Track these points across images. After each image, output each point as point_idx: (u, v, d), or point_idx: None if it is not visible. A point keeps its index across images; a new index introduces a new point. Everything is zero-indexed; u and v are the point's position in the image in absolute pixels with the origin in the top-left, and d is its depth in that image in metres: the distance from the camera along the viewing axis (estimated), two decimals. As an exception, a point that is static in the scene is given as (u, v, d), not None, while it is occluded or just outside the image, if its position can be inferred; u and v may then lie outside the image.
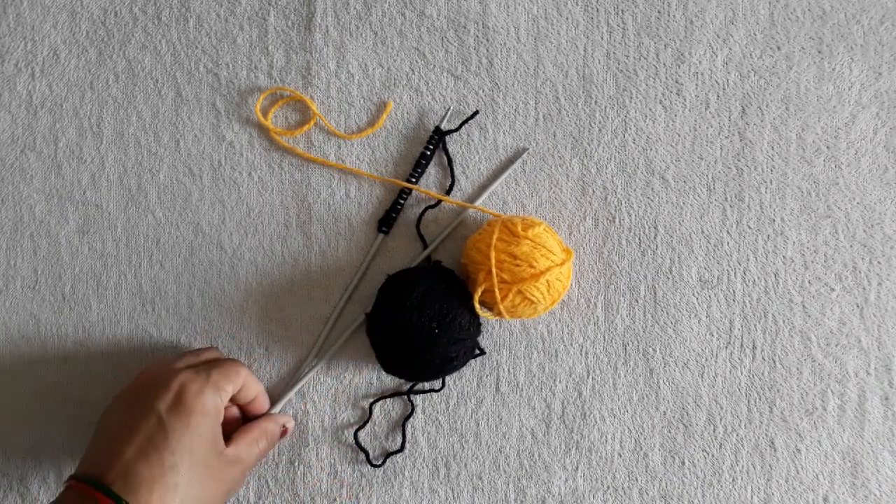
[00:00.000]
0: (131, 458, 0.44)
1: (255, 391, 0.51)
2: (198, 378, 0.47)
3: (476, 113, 0.55)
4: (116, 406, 0.48)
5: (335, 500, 0.55)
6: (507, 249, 0.49)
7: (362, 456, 0.55)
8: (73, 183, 0.55)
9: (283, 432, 0.53)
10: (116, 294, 0.55)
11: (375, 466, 0.55)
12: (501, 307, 0.50)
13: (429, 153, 0.54)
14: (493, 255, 0.49)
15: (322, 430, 0.55)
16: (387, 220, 0.54)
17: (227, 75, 0.55)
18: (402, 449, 0.55)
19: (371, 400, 0.55)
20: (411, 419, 0.55)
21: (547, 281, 0.49)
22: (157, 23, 0.56)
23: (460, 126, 0.55)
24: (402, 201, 0.55)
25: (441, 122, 0.55)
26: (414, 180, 0.54)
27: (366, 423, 0.55)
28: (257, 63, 0.55)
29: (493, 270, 0.49)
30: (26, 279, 0.55)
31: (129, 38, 0.56)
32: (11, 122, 0.56)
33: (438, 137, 0.55)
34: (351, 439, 0.55)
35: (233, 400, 0.50)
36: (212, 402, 0.47)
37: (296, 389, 0.55)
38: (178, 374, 0.47)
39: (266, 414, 0.53)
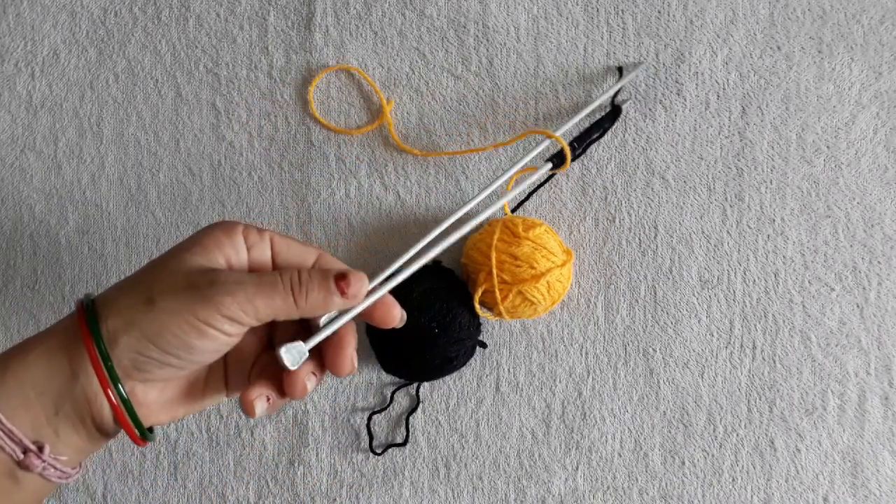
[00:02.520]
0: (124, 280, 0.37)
1: (300, 258, 0.39)
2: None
3: (618, 109, 0.55)
4: None
5: (335, 500, 0.55)
6: (508, 250, 0.49)
7: (362, 457, 0.55)
8: (72, 183, 0.55)
9: (342, 286, 0.37)
10: (116, 294, 0.55)
11: (376, 454, 0.54)
12: (502, 308, 0.50)
13: (605, 128, 0.54)
14: (493, 255, 0.49)
15: (322, 429, 0.55)
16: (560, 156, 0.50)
17: (227, 75, 0.55)
18: (405, 443, 0.55)
19: (393, 388, 0.55)
20: (413, 417, 0.55)
21: (547, 282, 0.49)
22: (156, 22, 0.56)
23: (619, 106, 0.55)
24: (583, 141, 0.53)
25: (615, 95, 0.54)
26: (576, 145, 0.52)
27: (385, 408, 0.55)
28: (257, 63, 0.55)
29: (494, 271, 0.49)
30: (26, 279, 0.55)
31: (129, 37, 0.56)
32: (11, 121, 0.56)
33: (615, 112, 0.54)
34: (351, 437, 0.55)
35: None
36: (227, 223, 0.38)
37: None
38: None
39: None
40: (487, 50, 0.55)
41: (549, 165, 0.49)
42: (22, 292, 0.55)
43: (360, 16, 0.55)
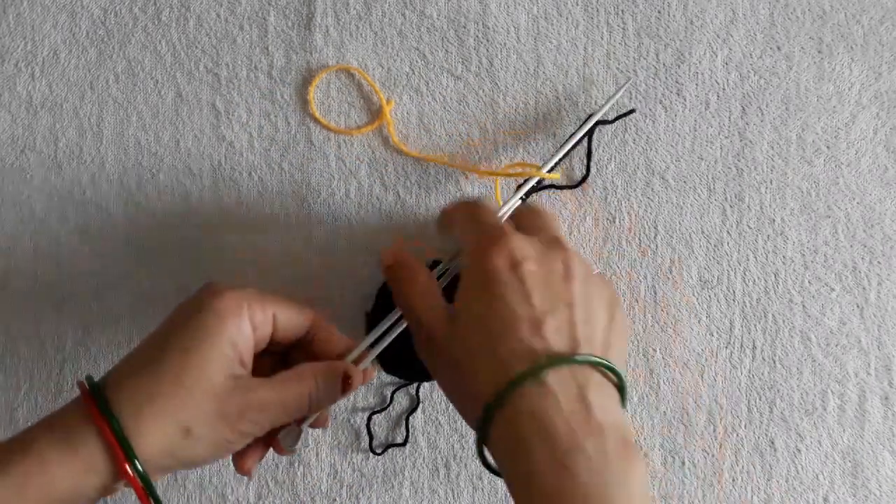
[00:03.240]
0: (126, 361, 0.38)
1: (338, 344, 0.42)
2: (232, 285, 0.40)
3: (632, 111, 0.54)
4: None
5: (335, 500, 0.55)
6: None
7: (361, 457, 0.55)
8: (73, 183, 0.55)
9: (347, 384, 0.41)
10: (116, 294, 0.55)
11: (375, 454, 0.54)
12: None
13: (576, 139, 0.52)
14: None
15: (322, 429, 0.55)
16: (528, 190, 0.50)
17: (227, 75, 0.55)
18: (405, 443, 0.55)
19: (393, 388, 0.55)
20: (413, 417, 0.55)
21: None
22: (157, 23, 0.56)
23: (616, 119, 0.54)
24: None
25: (600, 111, 0.52)
26: (553, 166, 0.51)
27: (385, 408, 0.55)
28: (257, 63, 0.55)
29: None
30: (26, 279, 0.55)
31: (129, 38, 0.56)
32: (11, 122, 0.56)
33: (592, 126, 0.52)
34: (351, 437, 0.55)
35: (306, 349, 0.42)
36: (233, 303, 0.38)
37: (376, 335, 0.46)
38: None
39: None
40: (487, 50, 0.55)
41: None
42: (22, 292, 0.55)
43: (360, 16, 0.55)
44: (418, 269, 0.41)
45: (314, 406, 0.40)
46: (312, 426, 0.44)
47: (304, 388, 0.39)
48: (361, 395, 0.55)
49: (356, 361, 0.44)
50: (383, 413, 0.55)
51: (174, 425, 0.36)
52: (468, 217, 0.41)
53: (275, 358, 0.43)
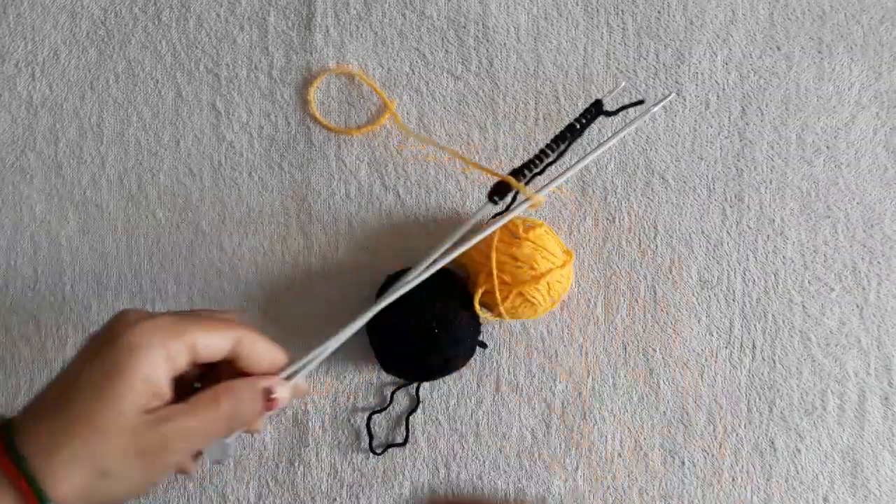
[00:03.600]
0: (39, 400, 0.36)
1: (263, 360, 0.40)
2: (144, 311, 0.38)
3: (641, 101, 0.52)
4: None
5: (335, 500, 0.55)
6: (508, 251, 0.49)
7: (362, 457, 0.55)
8: (73, 183, 0.55)
9: (269, 402, 0.40)
10: (116, 294, 0.55)
11: (375, 454, 0.54)
12: (502, 308, 0.50)
13: (579, 127, 0.47)
14: (493, 256, 0.49)
15: (322, 430, 0.55)
16: (500, 191, 0.46)
17: (228, 75, 0.55)
18: (405, 443, 0.55)
19: (392, 388, 0.55)
20: (413, 417, 0.55)
21: (548, 283, 0.49)
22: (157, 23, 0.56)
23: (618, 111, 0.51)
24: (531, 169, 0.46)
25: (606, 95, 0.50)
26: (551, 153, 0.47)
27: (385, 408, 0.55)
28: (257, 63, 0.55)
29: (494, 272, 0.49)
30: (26, 279, 0.55)
31: (129, 38, 0.56)
32: (12, 122, 0.56)
33: (595, 112, 0.48)
34: (351, 437, 0.55)
35: (234, 366, 0.40)
36: (146, 336, 0.36)
37: (327, 352, 0.44)
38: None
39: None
40: (487, 50, 0.55)
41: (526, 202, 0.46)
42: (22, 292, 0.55)
43: (361, 16, 0.55)
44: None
45: (236, 426, 0.39)
46: (246, 432, 0.43)
47: (223, 411, 0.38)
48: (362, 395, 0.55)
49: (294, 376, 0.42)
50: (383, 413, 0.55)
51: (90, 468, 0.34)
52: None
53: (202, 369, 0.41)
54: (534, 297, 0.50)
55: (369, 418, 0.55)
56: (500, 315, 0.51)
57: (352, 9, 0.55)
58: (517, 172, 0.46)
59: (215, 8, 0.55)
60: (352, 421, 0.55)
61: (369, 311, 0.44)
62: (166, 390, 0.37)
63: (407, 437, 0.55)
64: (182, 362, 0.37)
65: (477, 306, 0.50)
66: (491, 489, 0.55)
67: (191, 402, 0.37)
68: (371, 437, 0.55)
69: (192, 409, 0.37)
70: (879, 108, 0.55)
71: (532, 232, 0.50)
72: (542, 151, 0.46)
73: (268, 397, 0.40)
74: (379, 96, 0.55)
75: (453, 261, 0.45)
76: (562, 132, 0.47)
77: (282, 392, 0.40)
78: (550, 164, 0.47)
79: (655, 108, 0.48)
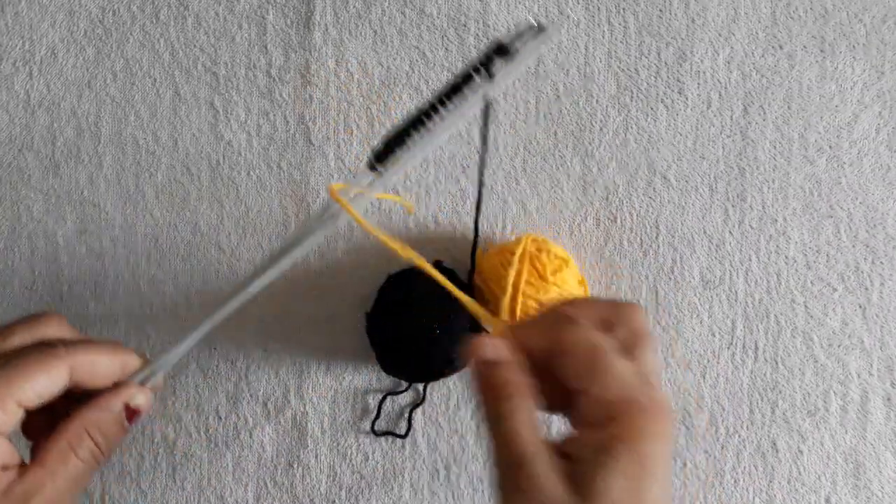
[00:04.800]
0: None
1: (109, 375, 0.35)
2: None
3: (541, 28, 0.35)
4: None
5: (334, 502, 0.55)
6: (535, 296, 0.49)
7: (361, 458, 0.55)
8: (70, 182, 0.55)
9: (132, 412, 0.35)
10: (114, 294, 0.55)
11: (375, 434, 0.54)
12: None
13: (473, 74, 0.34)
14: (520, 300, 0.48)
15: (321, 431, 0.55)
16: (383, 154, 0.35)
17: (226, 74, 0.55)
18: (405, 435, 0.54)
19: (381, 395, 0.55)
20: (413, 417, 0.55)
21: None
22: (155, 21, 0.55)
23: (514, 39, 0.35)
24: (407, 133, 0.35)
25: (515, 40, 0.34)
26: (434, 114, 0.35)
27: (378, 414, 0.54)
28: (256, 62, 0.55)
29: (518, 314, 0.48)
30: (24, 279, 0.55)
31: (127, 36, 0.55)
32: (9, 121, 0.55)
33: (496, 54, 0.35)
34: (351, 438, 0.55)
35: (76, 390, 0.35)
36: None
37: (183, 348, 0.38)
38: None
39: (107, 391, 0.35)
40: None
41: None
42: (20, 292, 0.55)
43: (360, 14, 0.55)
44: (526, 396, 0.31)
45: (107, 454, 0.34)
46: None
47: (84, 453, 0.33)
48: (361, 396, 0.55)
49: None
50: (389, 409, 0.55)
51: None
52: (592, 355, 0.30)
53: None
54: None
55: (384, 398, 0.54)
56: None
57: (351, 7, 0.55)
58: (399, 137, 0.35)
59: (214, 6, 0.55)
60: (352, 421, 0.55)
61: (217, 312, 0.39)
62: (8, 456, 0.32)
63: (408, 430, 0.54)
64: (12, 424, 0.33)
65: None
66: (491, 491, 0.55)
67: (44, 462, 0.32)
68: (378, 415, 0.54)
69: (50, 470, 0.32)
70: (882, 107, 0.55)
71: (558, 275, 0.49)
72: (425, 113, 0.35)
73: (130, 411, 0.35)
74: (372, 99, 0.55)
75: (454, 260, 0.44)
76: (455, 85, 0.35)
77: (141, 401, 0.36)
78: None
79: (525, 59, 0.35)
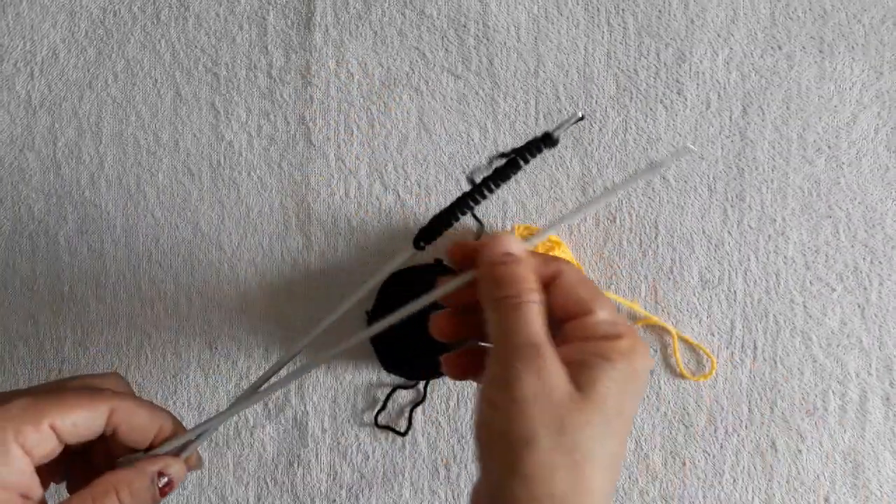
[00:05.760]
0: None
1: (146, 432, 0.35)
2: None
3: (582, 118, 0.38)
4: None
5: (334, 501, 0.55)
6: None
7: (361, 457, 0.55)
8: (71, 183, 0.55)
9: (164, 488, 0.35)
10: (115, 294, 0.55)
11: (377, 426, 0.54)
12: None
13: (521, 163, 0.37)
14: None
15: (322, 430, 0.55)
16: (429, 235, 0.38)
17: (227, 74, 0.55)
18: (404, 433, 0.54)
19: (388, 390, 0.55)
20: (413, 416, 0.55)
21: None
22: (156, 22, 0.55)
23: (557, 128, 0.37)
24: (455, 217, 0.37)
25: (558, 129, 0.37)
26: (479, 198, 0.37)
27: (384, 405, 0.54)
28: (256, 62, 0.55)
29: None
30: (25, 279, 0.55)
31: (128, 37, 0.55)
32: (10, 121, 0.55)
33: (543, 145, 0.37)
34: (351, 438, 0.55)
35: (115, 441, 0.35)
36: None
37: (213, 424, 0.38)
38: None
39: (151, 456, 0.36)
40: (488, 49, 0.55)
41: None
42: (21, 292, 0.55)
43: (360, 15, 0.55)
44: (541, 296, 0.32)
45: None
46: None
47: None
48: (362, 396, 0.55)
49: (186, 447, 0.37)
50: (390, 406, 0.55)
51: None
52: (592, 288, 0.33)
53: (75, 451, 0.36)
54: None
55: (393, 390, 0.54)
56: None
57: (351, 8, 0.55)
58: (449, 213, 0.37)
59: (214, 7, 0.55)
60: (352, 421, 0.55)
61: (261, 388, 0.39)
62: (32, 486, 0.32)
63: (408, 427, 0.54)
64: (47, 449, 0.33)
65: None
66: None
67: None
68: (384, 407, 0.54)
69: None
70: (881, 107, 0.55)
71: (551, 254, 0.49)
72: (476, 189, 0.37)
73: (160, 483, 0.35)
74: (372, 99, 0.55)
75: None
76: (502, 169, 0.37)
77: (175, 471, 0.36)
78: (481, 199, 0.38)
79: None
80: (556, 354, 0.31)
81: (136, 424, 0.35)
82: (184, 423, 0.53)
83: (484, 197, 0.37)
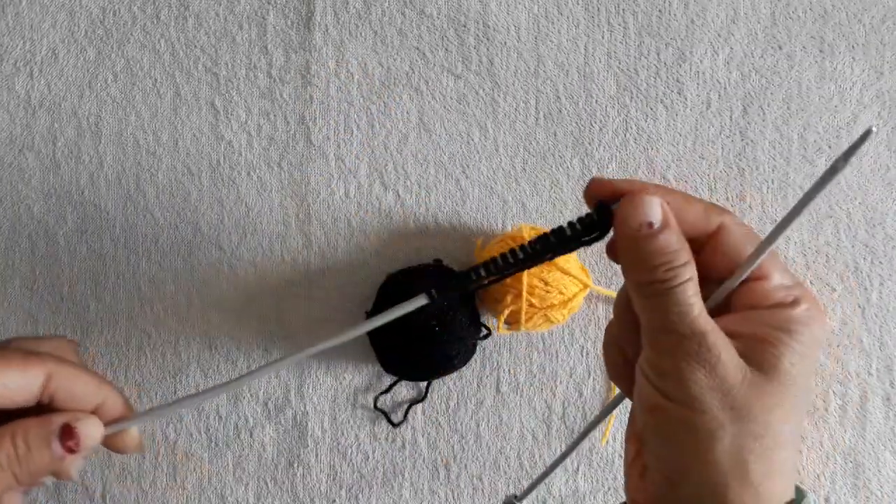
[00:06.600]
0: None
1: (87, 402, 0.32)
2: None
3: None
4: None
5: (334, 501, 0.55)
6: (540, 275, 0.49)
7: (361, 458, 0.55)
8: (71, 182, 0.55)
9: (71, 443, 0.31)
10: (115, 294, 0.55)
11: (376, 408, 0.54)
12: (523, 327, 0.50)
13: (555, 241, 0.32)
14: (525, 280, 0.49)
15: (322, 430, 0.55)
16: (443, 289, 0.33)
17: (226, 74, 0.55)
18: (397, 425, 0.54)
19: (376, 394, 0.55)
20: (413, 416, 0.55)
21: (570, 305, 0.50)
22: (155, 22, 0.55)
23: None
24: (477, 277, 0.32)
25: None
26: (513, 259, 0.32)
27: (389, 389, 0.54)
28: (256, 62, 0.55)
29: (524, 296, 0.49)
30: (24, 279, 0.55)
31: (127, 37, 0.55)
32: (10, 121, 0.55)
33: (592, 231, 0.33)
34: (351, 438, 0.55)
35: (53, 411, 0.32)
36: None
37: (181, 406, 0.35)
38: None
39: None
40: (488, 49, 0.55)
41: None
42: (20, 292, 0.55)
43: (360, 15, 0.55)
44: (693, 267, 0.28)
45: (24, 477, 0.30)
46: (55, 479, 0.33)
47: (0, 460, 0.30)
48: (361, 396, 0.55)
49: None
50: (390, 401, 0.55)
51: None
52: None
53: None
54: (556, 318, 0.50)
55: (398, 380, 0.54)
56: (517, 329, 0.51)
57: (351, 7, 0.55)
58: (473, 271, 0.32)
59: (214, 7, 0.55)
60: (352, 421, 0.55)
61: (239, 379, 0.35)
62: None
63: (402, 421, 0.54)
64: None
65: (501, 326, 0.51)
66: (491, 490, 0.55)
67: None
68: (388, 391, 0.54)
69: None
70: (881, 107, 0.55)
71: (562, 258, 0.50)
72: (504, 259, 0.32)
73: (68, 437, 0.31)
74: (372, 99, 0.55)
75: (454, 260, 0.44)
76: (542, 243, 0.33)
77: (86, 428, 0.31)
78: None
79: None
80: (724, 338, 0.27)
81: (77, 393, 0.32)
82: (184, 423, 0.53)
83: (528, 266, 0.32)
